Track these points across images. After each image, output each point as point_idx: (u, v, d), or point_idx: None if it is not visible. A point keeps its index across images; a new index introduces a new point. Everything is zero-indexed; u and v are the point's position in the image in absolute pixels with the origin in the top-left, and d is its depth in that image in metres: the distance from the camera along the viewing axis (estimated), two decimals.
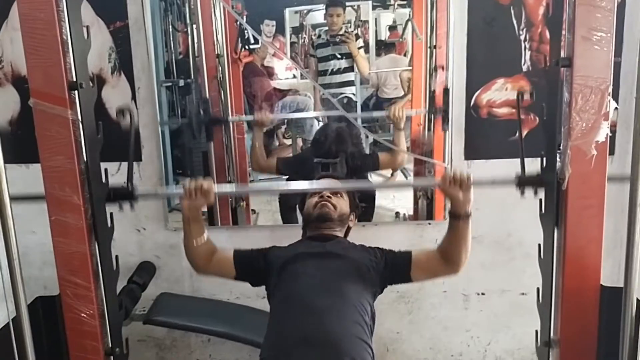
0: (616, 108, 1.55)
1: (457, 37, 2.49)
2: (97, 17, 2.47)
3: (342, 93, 3.10)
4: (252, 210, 3.04)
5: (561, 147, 1.58)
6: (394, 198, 3.03)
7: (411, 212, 2.86)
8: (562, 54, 1.56)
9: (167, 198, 2.75)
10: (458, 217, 1.80)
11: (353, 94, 3.18)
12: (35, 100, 1.56)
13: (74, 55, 1.58)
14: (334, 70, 3.06)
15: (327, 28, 3.04)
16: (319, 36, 3.06)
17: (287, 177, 2.87)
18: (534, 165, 1.74)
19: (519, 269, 2.66)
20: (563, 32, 1.57)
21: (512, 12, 2.44)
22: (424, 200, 2.86)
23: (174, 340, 2.90)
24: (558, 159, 1.62)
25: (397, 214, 2.91)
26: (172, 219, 2.73)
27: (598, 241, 1.59)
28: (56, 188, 1.63)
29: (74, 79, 1.58)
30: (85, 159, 1.65)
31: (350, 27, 3.02)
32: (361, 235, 2.15)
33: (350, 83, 3.12)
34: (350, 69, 3.05)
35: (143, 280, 2.55)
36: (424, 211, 2.83)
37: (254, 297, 2.65)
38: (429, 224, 2.67)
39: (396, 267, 1.94)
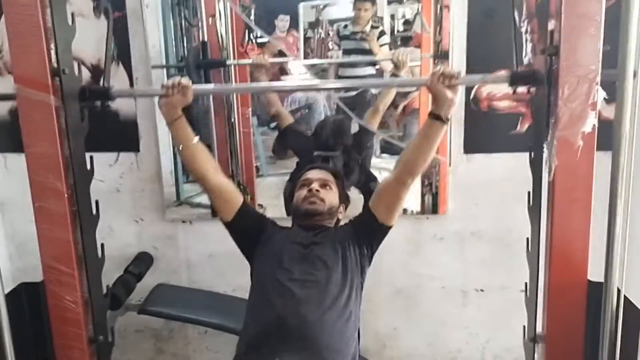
0: (605, 99, 1.51)
1: (458, 29, 2.46)
2: None
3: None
4: (260, 205, 3.02)
5: (548, 138, 1.55)
6: None
7: (418, 209, 2.82)
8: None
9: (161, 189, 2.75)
10: (436, 118, 1.72)
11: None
12: (18, 86, 1.57)
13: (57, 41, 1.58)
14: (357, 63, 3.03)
15: (349, 22, 3.01)
16: (345, 26, 3.02)
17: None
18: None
19: (519, 266, 2.57)
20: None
21: (513, 3, 2.38)
22: (429, 196, 2.84)
23: (171, 331, 2.90)
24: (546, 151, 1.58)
25: (405, 210, 2.87)
26: (171, 210, 2.73)
27: (585, 234, 1.55)
28: (40, 175, 1.64)
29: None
30: (69, 146, 1.66)
31: (374, 22, 2.98)
32: None
33: (371, 77, 3.09)
34: (372, 63, 3.02)
35: (139, 271, 2.56)
36: (430, 207, 2.82)
37: None
38: (427, 218, 2.64)
39: (366, 226, 1.91)
